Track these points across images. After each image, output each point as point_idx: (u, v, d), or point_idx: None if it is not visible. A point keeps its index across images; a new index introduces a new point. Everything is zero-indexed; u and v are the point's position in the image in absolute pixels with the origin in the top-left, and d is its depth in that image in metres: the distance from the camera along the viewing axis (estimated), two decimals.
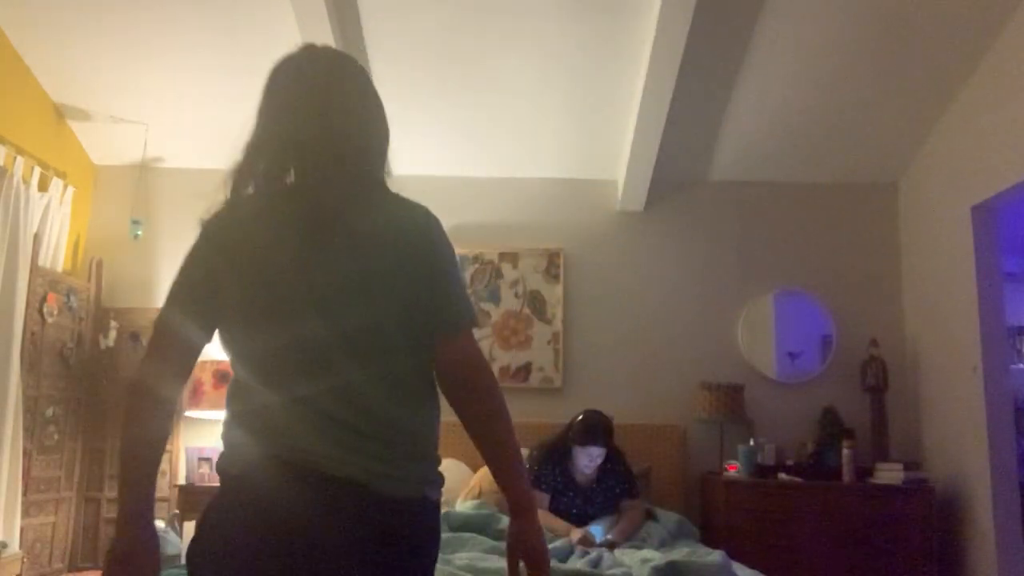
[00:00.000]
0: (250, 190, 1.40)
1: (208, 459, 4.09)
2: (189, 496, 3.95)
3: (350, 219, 1.35)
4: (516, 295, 4.54)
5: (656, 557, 2.87)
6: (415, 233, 1.37)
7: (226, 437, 1.37)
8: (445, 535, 3.15)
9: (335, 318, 1.30)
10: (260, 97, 1.43)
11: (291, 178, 1.40)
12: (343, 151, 1.39)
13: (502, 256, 4.57)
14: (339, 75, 1.43)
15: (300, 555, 1.24)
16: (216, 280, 1.36)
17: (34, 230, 4.01)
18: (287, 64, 1.44)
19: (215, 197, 1.42)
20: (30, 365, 3.90)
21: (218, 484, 1.37)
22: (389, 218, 1.38)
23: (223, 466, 1.35)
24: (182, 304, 1.38)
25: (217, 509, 1.33)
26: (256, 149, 1.40)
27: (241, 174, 1.40)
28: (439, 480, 1.39)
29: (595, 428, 3.50)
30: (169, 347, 1.37)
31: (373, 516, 1.26)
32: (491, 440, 1.39)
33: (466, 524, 3.29)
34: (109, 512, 4.24)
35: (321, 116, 1.38)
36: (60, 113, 4.35)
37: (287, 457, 1.27)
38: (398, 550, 1.28)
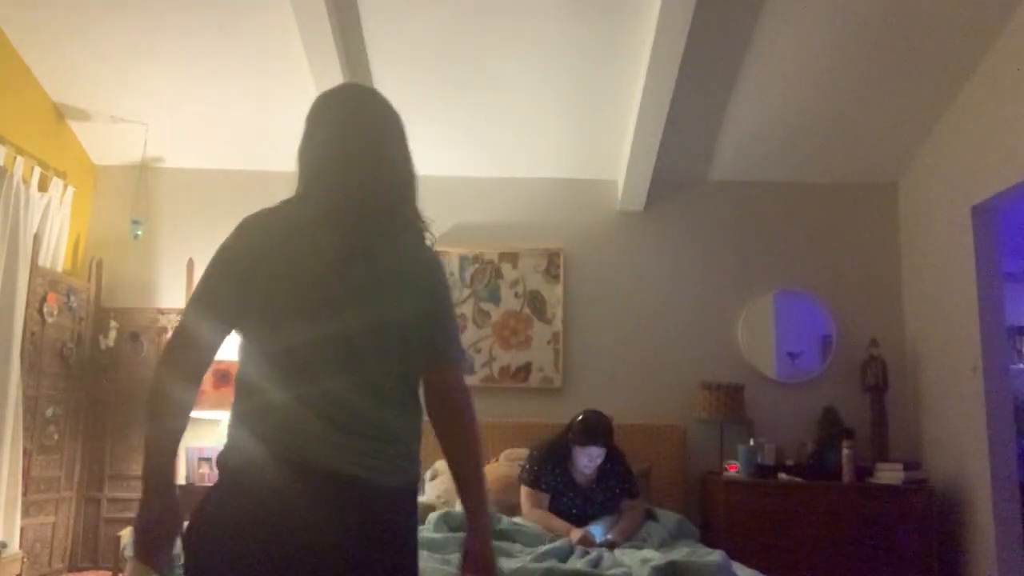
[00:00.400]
0: (289, 207, 1.52)
1: (208, 459, 4.09)
2: (189, 496, 3.91)
3: (376, 250, 1.49)
4: (516, 295, 4.54)
5: (656, 557, 2.87)
6: (426, 274, 1.55)
7: (229, 432, 1.46)
8: (445, 535, 3.15)
9: (346, 331, 1.42)
10: (306, 130, 1.58)
11: (332, 206, 1.50)
12: (381, 192, 1.53)
13: (502, 256, 4.57)
14: (382, 120, 1.58)
15: (299, 548, 1.33)
16: (244, 279, 1.44)
17: (34, 230, 4.01)
18: (333, 101, 1.59)
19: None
20: (30, 365, 3.90)
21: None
22: (408, 256, 1.53)
23: (223, 459, 1.44)
24: (206, 304, 1.47)
25: (214, 501, 1.42)
26: (307, 180, 1.54)
27: (292, 200, 1.53)
28: (420, 476, 1.57)
29: (595, 428, 3.50)
30: (189, 346, 1.46)
31: (370, 504, 1.39)
32: (465, 465, 1.55)
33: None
34: (109, 512, 4.24)
35: (367, 161, 1.53)
36: (60, 113, 4.35)
37: (286, 454, 1.37)
38: (395, 533, 1.43)
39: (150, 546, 1.41)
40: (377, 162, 1.54)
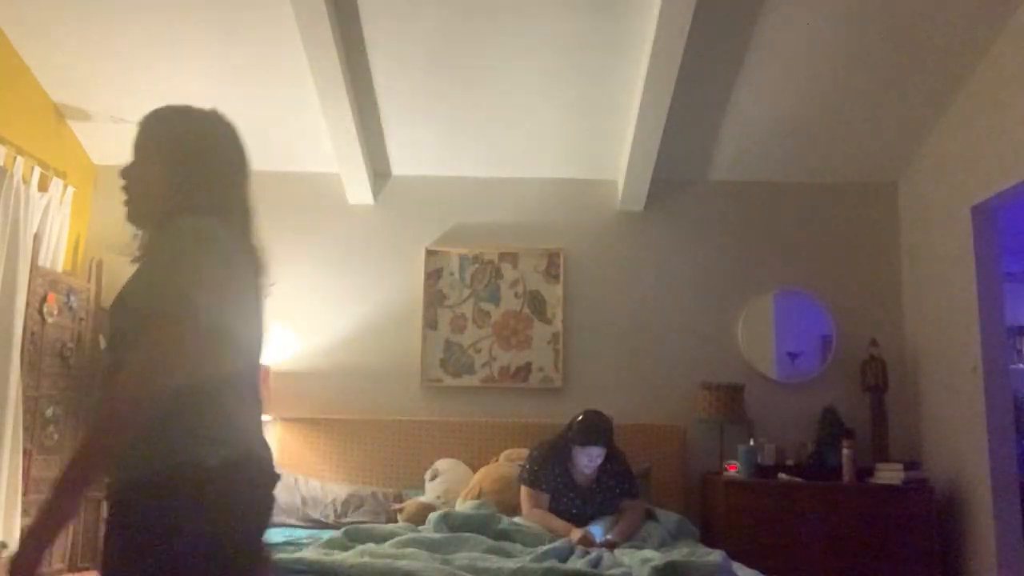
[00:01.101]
0: (225, 226, 1.57)
1: None
2: None
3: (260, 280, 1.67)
4: (516, 295, 4.53)
5: (656, 557, 2.87)
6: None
7: (208, 433, 1.44)
8: (445, 535, 3.15)
9: (254, 355, 1.62)
10: (194, 143, 1.69)
11: (245, 235, 1.64)
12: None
13: (502, 256, 4.56)
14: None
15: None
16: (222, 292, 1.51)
17: (34, 230, 4.00)
18: (216, 123, 1.70)
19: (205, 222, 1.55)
20: (30, 365, 3.89)
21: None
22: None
23: (198, 458, 1.39)
24: (216, 314, 1.44)
25: (232, 495, 1.45)
26: (216, 200, 1.62)
27: (223, 232, 1.55)
28: None
29: (595, 428, 3.50)
30: (190, 364, 1.40)
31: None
32: None
33: (466, 524, 3.29)
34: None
35: (248, 190, 1.70)
36: (60, 113, 4.35)
37: (257, 452, 1.53)
38: None
39: (40, 556, 1.28)
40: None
